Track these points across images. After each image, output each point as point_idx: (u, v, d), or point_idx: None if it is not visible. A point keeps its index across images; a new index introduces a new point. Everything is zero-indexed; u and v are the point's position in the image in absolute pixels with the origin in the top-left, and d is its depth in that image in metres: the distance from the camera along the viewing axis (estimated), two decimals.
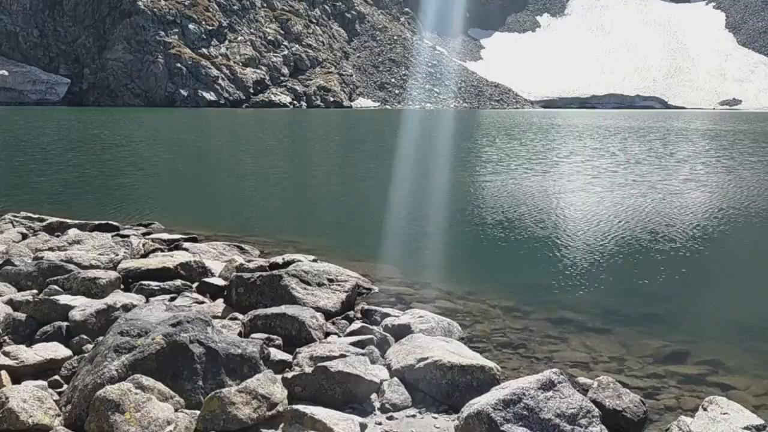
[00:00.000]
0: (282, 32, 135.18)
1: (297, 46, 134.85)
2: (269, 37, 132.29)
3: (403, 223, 13.69)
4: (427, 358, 5.13)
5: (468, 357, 5.26)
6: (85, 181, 20.12)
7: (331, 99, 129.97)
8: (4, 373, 4.91)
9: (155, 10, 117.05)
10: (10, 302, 6.32)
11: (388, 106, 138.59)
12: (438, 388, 4.96)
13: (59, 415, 4.33)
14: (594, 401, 4.56)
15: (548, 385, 4.29)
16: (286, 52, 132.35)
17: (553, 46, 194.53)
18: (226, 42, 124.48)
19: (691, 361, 6.18)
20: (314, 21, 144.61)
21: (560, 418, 4.12)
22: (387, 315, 6.70)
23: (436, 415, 4.74)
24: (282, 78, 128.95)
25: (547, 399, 4.21)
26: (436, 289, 8.33)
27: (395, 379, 5.07)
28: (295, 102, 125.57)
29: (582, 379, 5.27)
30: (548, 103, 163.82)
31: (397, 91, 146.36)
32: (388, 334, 6.03)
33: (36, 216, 11.75)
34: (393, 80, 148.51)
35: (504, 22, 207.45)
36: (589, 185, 18.67)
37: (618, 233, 11.98)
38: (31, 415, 4.13)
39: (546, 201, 15.80)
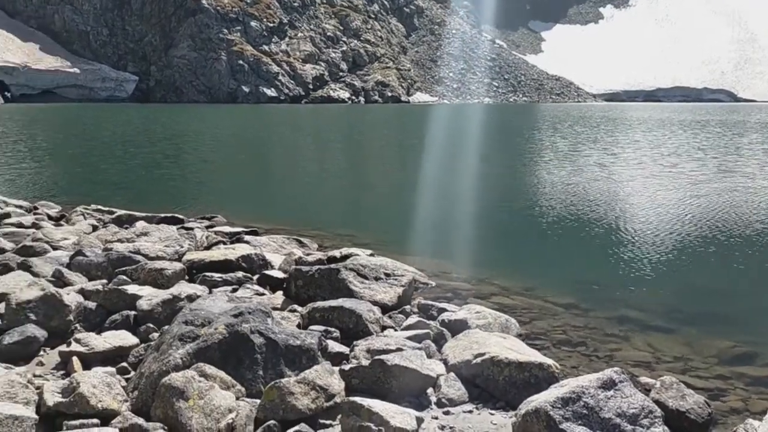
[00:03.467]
0: (341, 28, 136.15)
1: (355, 41, 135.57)
2: (328, 33, 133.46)
3: (460, 218, 13.63)
4: (484, 354, 5.10)
5: (526, 354, 5.20)
6: (152, 175, 20.80)
7: (389, 94, 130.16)
8: (75, 359, 5.14)
9: (218, 8, 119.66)
10: (81, 291, 6.60)
11: (445, 101, 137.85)
12: (495, 384, 4.92)
13: (126, 401, 4.50)
14: (656, 401, 4.44)
15: (609, 384, 4.20)
16: (344, 48, 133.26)
17: (617, 37, 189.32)
18: (287, 39, 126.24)
19: (759, 362, 5.94)
20: (373, 16, 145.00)
21: (621, 418, 4.03)
22: (443, 310, 6.68)
23: (493, 412, 4.71)
24: (341, 74, 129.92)
25: (608, 398, 4.12)
26: (494, 285, 8.26)
27: (452, 374, 5.06)
28: (353, 97, 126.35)
29: (644, 379, 5.13)
30: (611, 97, 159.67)
31: (455, 86, 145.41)
32: (444, 329, 6.02)
33: (106, 209, 12.23)
34: (451, 75, 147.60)
35: (566, 14, 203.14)
36: (657, 180, 18.12)
37: (686, 230, 11.60)
38: (101, 400, 4.30)
39: (609, 196, 15.43)
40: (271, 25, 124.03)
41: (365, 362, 4.87)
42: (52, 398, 4.29)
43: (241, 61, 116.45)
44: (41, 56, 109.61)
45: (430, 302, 6.92)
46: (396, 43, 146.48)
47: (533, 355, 5.20)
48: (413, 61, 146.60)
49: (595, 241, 11.02)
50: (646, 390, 4.70)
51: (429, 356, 5.33)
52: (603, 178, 18.71)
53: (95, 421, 4.15)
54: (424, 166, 23.98)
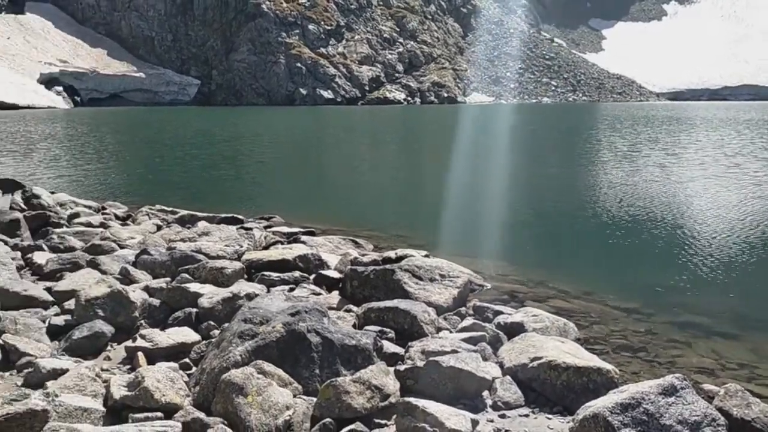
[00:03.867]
0: (397, 29, 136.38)
1: (412, 42, 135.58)
2: (385, 35, 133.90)
3: (517, 219, 13.47)
4: (541, 358, 5.04)
5: (584, 358, 5.11)
6: (213, 175, 21.32)
7: (445, 95, 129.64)
8: (140, 354, 5.33)
9: (277, 12, 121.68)
10: (146, 289, 6.83)
11: (502, 101, 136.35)
12: (552, 388, 4.86)
13: (188, 396, 4.63)
14: (720, 409, 4.29)
15: (670, 391, 4.09)
16: (401, 49, 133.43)
17: (681, 34, 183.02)
18: (344, 41, 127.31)
19: None
20: (429, 17, 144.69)
21: (682, 426, 3.91)
22: (499, 312, 6.63)
23: (549, 416, 4.64)
24: (397, 75, 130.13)
25: (669, 405, 4.01)
26: (551, 288, 8.14)
27: (507, 377, 5.02)
28: (409, 98, 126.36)
29: (707, 386, 4.97)
30: (675, 96, 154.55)
31: (512, 86, 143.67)
32: (500, 332, 5.97)
33: (169, 209, 12.62)
34: (508, 74, 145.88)
35: (627, 11, 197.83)
36: (720, 181, 17.49)
37: (750, 232, 11.16)
38: (164, 394, 4.44)
39: (669, 197, 14.98)
40: (329, 27, 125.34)
41: (420, 363, 4.88)
42: (118, 391, 4.46)
43: (298, 64, 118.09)
44: (109, 61, 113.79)
45: (485, 304, 6.88)
46: (452, 44, 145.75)
47: (592, 360, 5.11)
48: (470, 61, 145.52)
49: (656, 244, 10.72)
50: (709, 397, 4.55)
51: (484, 359, 5.30)
52: (663, 179, 18.17)
53: (159, 414, 4.30)
54: (479, 166, 23.80)
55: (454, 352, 5.12)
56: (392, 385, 4.55)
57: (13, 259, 7.65)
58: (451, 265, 7.80)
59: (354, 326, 6.06)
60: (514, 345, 5.50)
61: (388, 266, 7.34)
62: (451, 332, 6.10)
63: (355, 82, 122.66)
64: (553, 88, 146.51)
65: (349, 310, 6.63)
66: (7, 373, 5.03)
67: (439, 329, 6.15)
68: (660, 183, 17.37)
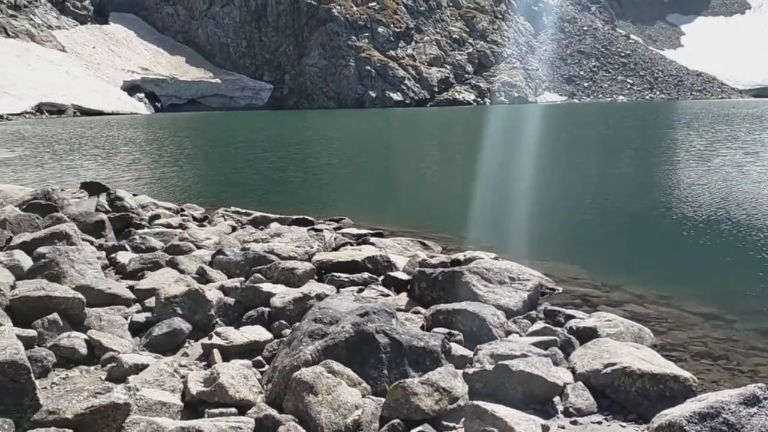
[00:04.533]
0: (467, 30, 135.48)
1: (482, 42, 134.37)
2: (454, 36, 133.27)
3: (589, 221, 13.14)
4: (615, 364, 4.91)
5: (660, 365, 4.94)
6: (284, 178, 21.77)
7: (516, 95, 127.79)
8: (216, 351, 5.50)
9: (348, 16, 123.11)
10: (221, 288, 7.05)
11: (575, 100, 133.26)
12: (626, 395, 4.72)
13: (261, 393, 4.75)
14: None
15: (752, 401, 3.90)
16: (470, 50, 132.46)
17: (765, 28, 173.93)
18: (413, 43, 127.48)
19: None
20: (500, 16, 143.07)
21: None
22: (571, 317, 6.50)
23: (624, 424, 4.52)
24: (466, 76, 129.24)
25: (750, 415, 3.83)
26: (626, 292, 7.90)
27: (579, 383, 4.91)
28: (478, 99, 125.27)
29: None
30: (759, 92, 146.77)
31: (586, 84, 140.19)
32: (572, 337, 5.85)
33: (243, 211, 12.98)
34: (582, 73, 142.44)
35: (707, 5, 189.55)
36: None
37: None
38: (238, 390, 4.57)
39: (750, 198, 14.26)
40: (398, 30, 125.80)
41: (489, 366, 4.84)
42: (195, 387, 4.62)
43: (368, 67, 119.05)
44: (187, 68, 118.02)
45: (557, 308, 6.75)
46: (524, 43, 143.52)
47: (669, 367, 4.94)
48: (541, 60, 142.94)
49: (735, 246, 10.23)
50: None
51: (555, 364, 5.21)
52: (742, 179, 17.32)
53: (233, 410, 4.42)
54: (550, 167, 23.35)
55: (524, 356, 5.05)
56: (461, 387, 4.53)
57: (98, 258, 8.03)
58: (521, 267, 7.70)
59: (422, 328, 6.07)
60: (587, 350, 5.38)
61: (456, 268, 7.32)
62: (521, 336, 6.02)
63: (424, 83, 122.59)
64: (629, 86, 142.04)
65: (417, 312, 6.65)
66: (92, 367, 5.29)
67: (508, 333, 6.08)
68: (738, 183, 16.58)
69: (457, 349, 5.42)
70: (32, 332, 5.39)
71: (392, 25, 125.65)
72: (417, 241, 10.25)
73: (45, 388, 4.81)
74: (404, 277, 7.72)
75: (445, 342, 5.22)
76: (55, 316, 5.68)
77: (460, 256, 8.63)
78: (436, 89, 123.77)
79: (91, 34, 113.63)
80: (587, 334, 5.89)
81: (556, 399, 4.76)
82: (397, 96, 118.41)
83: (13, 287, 6.31)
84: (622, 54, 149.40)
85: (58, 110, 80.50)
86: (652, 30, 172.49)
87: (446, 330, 5.82)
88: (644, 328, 6.21)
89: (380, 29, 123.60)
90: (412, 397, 4.30)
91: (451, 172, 22.73)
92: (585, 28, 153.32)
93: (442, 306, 6.25)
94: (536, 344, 5.50)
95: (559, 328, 6.08)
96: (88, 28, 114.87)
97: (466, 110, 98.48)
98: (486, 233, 11.77)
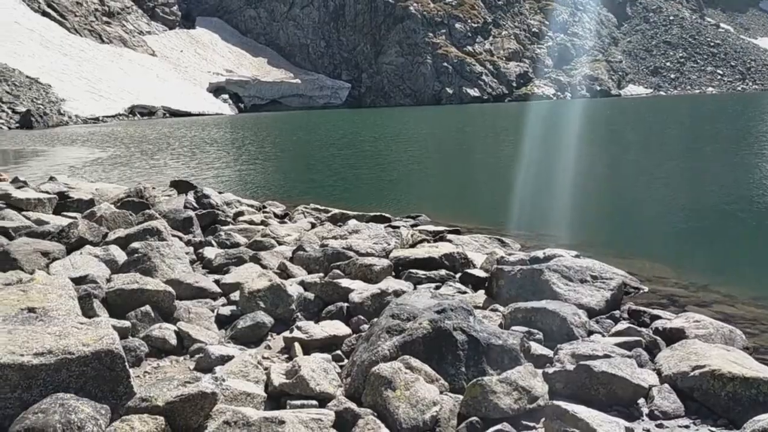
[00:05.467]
0: (546, 23, 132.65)
1: (562, 35, 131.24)
2: (533, 29, 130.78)
3: (676, 218, 12.62)
4: (703, 366, 4.70)
5: (753, 368, 4.70)
6: (362, 175, 22.01)
7: (597, 88, 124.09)
8: (297, 344, 5.64)
9: (425, 13, 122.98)
10: (301, 283, 7.21)
11: (662, 92, 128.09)
12: (716, 399, 4.52)
13: (341, 386, 4.84)
14: None
15: None
16: (550, 43, 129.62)
17: None
18: (490, 38, 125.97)
19: None
20: (581, 8, 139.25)
21: None
22: (657, 317, 6.27)
23: (713, 429, 4.33)
24: (546, 69, 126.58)
25: None
26: (715, 292, 7.55)
27: (666, 385, 4.74)
28: (558, 93, 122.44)
29: None
30: None
31: (672, 76, 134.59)
32: (658, 338, 5.65)
33: (322, 208, 13.22)
34: (668, 64, 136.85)
35: None
36: None
37: None
38: (318, 383, 4.67)
39: None
40: (475, 25, 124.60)
41: (570, 366, 4.75)
42: (277, 379, 4.75)
43: (445, 63, 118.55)
44: (269, 69, 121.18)
45: (642, 308, 6.53)
46: (606, 34, 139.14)
47: (762, 371, 4.68)
48: (625, 51, 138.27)
49: None
50: None
51: (640, 365, 5.04)
52: None
53: (314, 402, 4.53)
54: (634, 161, 22.55)
55: (607, 356, 4.92)
56: (540, 387, 4.46)
57: (186, 253, 8.38)
58: (603, 266, 7.49)
59: (500, 326, 6.01)
60: (674, 352, 5.19)
61: (535, 266, 7.20)
62: (603, 336, 5.86)
63: (502, 78, 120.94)
64: (719, 77, 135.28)
65: (495, 310, 6.59)
66: (181, 358, 5.53)
67: (590, 332, 5.94)
68: None
69: (537, 348, 5.34)
70: (126, 323, 5.70)
71: (469, 21, 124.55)
72: (495, 238, 10.14)
73: (138, 376, 5.06)
74: (482, 274, 7.66)
75: (524, 341, 5.15)
76: (147, 308, 5.98)
77: (540, 253, 8.47)
78: (514, 84, 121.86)
79: (178, 38, 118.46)
80: (674, 336, 5.67)
81: (641, 401, 4.62)
82: (474, 92, 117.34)
83: (108, 280, 6.69)
84: (712, 44, 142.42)
85: (148, 112, 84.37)
86: (744, 18, 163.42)
87: (525, 328, 5.74)
88: (735, 330, 5.92)
89: (457, 25, 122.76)
90: (490, 395, 4.27)
91: (529, 167, 22.33)
92: (671, 18, 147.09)
93: (521, 304, 6.16)
94: (620, 345, 5.34)
95: (644, 329, 5.89)
96: (176, 32, 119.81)
97: (546, 105, 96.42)
98: (566, 230, 11.51)
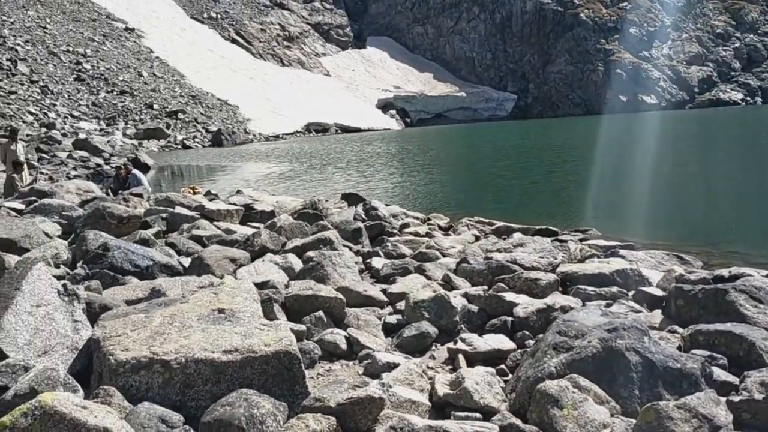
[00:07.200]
0: (733, 23, 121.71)
1: (751, 35, 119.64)
2: (718, 30, 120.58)
3: None
4: None
5: None
6: (527, 188, 21.61)
7: None
8: (461, 356, 5.68)
9: (596, 19, 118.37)
10: (465, 295, 7.24)
11: None
12: None
13: (504, 401, 4.79)
14: None
15: None
16: (737, 45, 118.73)
17: None
18: (669, 41, 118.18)
19: None
20: None
21: None
22: None
23: None
24: (732, 73, 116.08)
25: None
26: None
27: None
28: (747, 98, 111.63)
29: None
30: None
31: None
32: None
33: (486, 220, 13.19)
34: None
35: None
36: None
37: None
38: (482, 396, 4.66)
39: None
40: (652, 29, 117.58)
41: (759, 396, 4.33)
42: (441, 389, 4.81)
43: (618, 70, 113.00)
44: (435, 84, 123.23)
45: None
46: None
47: None
48: None
49: None
50: None
51: None
52: None
53: (477, 415, 4.53)
54: None
55: None
56: (723, 416, 4.12)
57: (356, 263, 8.76)
58: None
59: (678, 349, 5.62)
60: None
61: (720, 285, 6.63)
62: None
63: (681, 84, 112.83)
64: None
65: (673, 331, 6.17)
66: (350, 362, 5.79)
67: None
68: None
69: (720, 374, 4.92)
70: (302, 327, 6.09)
71: (645, 24, 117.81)
72: (673, 255, 9.49)
73: (312, 377, 5.37)
74: (658, 293, 7.20)
75: (706, 365, 4.78)
76: (320, 313, 6.34)
77: (725, 272, 7.78)
78: (696, 90, 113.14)
79: (351, 58, 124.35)
80: None
81: None
82: (650, 99, 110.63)
83: (287, 286, 7.19)
84: None
85: (322, 129, 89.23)
86: None
87: (707, 353, 5.31)
88: None
89: (632, 29, 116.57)
90: (666, 421, 4.02)
91: (713, 179, 20.61)
92: None
93: (703, 326, 5.71)
94: None
95: None
96: (349, 53, 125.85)
97: (733, 111, 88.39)
98: (755, 247, 10.48)
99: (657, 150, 35.06)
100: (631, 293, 7.37)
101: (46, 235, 9.02)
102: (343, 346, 5.94)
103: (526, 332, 6.14)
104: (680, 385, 4.55)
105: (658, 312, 6.82)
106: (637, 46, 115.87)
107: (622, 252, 9.62)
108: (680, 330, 6.09)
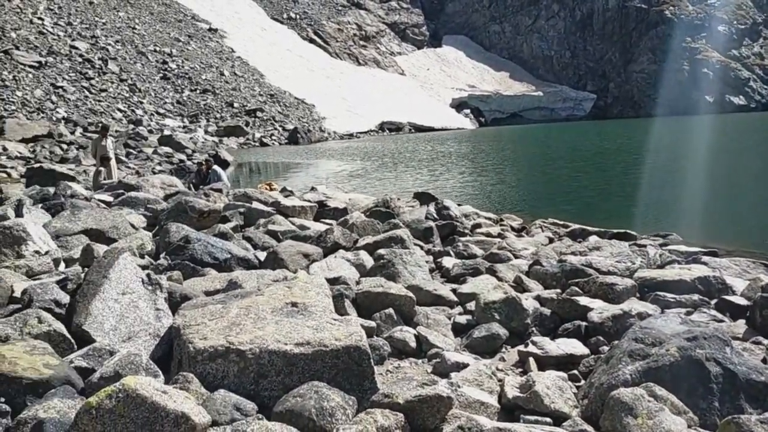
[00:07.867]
0: None
1: None
2: None
3: None
4: None
5: None
6: (604, 190, 21.02)
7: None
8: (531, 359, 5.60)
9: (682, 16, 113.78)
10: (537, 298, 7.13)
11: None
12: None
13: (576, 407, 4.70)
14: None
15: None
16: None
17: None
18: (760, 40, 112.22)
19: None
20: None
21: None
22: None
23: None
24: None
25: None
26: None
27: None
28: None
29: None
30: None
31: None
32: None
33: (561, 223, 12.92)
34: None
35: None
36: None
37: None
38: (553, 401, 4.59)
39: None
40: (742, 27, 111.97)
41: None
42: (511, 391, 4.77)
43: (705, 69, 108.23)
44: (511, 83, 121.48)
45: None
46: None
47: None
48: None
49: None
50: None
51: None
52: None
53: (548, 420, 4.46)
54: None
55: None
56: None
57: (426, 262, 8.78)
58: None
59: (763, 361, 5.35)
60: None
61: None
62: None
63: None
64: None
65: (757, 343, 5.88)
66: (419, 360, 5.81)
67: None
68: None
69: None
70: (372, 323, 6.15)
71: (735, 22, 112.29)
72: (760, 263, 9.00)
73: (381, 374, 5.43)
74: (742, 302, 6.87)
75: None
76: (390, 311, 6.39)
77: None
78: None
79: (426, 57, 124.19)
80: None
81: None
82: (739, 100, 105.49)
83: (358, 282, 7.29)
84: None
85: (396, 128, 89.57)
86: None
87: None
88: None
89: (720, 27, 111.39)
90: None
91: None
92: None
93: None
94: None
95: None
96: (424, 52, 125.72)
97: None
98: None
99: (743, 153, 33.39)
100: (713, 302, 7.07)
101: (132, 226, 9.48)
102: (413, 344, 5.96)
103: (601, 338, 6.00)
104: (764, 398, 4.34)
105: (741, 322, 6.52)
106: (725, 45, 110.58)
107: (704, 258, 9.22)
108: (765, 341, 5.80)
